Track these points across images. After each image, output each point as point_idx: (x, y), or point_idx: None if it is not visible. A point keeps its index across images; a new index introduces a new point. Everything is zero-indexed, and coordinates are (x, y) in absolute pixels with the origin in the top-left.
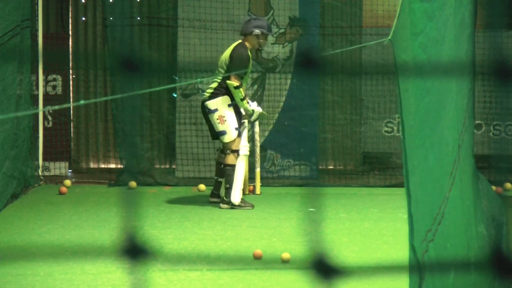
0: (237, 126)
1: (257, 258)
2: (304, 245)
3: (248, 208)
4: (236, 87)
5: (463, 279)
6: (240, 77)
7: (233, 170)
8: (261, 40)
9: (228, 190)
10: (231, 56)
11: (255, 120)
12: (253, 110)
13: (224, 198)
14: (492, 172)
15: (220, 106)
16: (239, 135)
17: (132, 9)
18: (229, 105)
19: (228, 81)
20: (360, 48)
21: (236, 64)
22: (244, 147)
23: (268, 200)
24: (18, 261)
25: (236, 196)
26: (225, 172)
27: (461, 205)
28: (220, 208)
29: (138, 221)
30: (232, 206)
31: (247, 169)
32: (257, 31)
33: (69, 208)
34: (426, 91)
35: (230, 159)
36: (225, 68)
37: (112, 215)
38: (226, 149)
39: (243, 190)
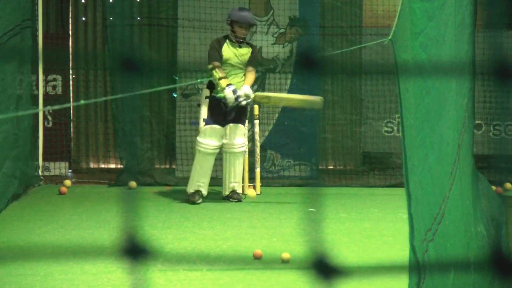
0: (205, 117)
1: (257, 258)
2: (304, 245)
3: (191, 202)
4: (211, 69)
5: (463, 279)
6: (216, 61)
7: (195, 160)
8: (235, 29)
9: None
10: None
11: (232, 103)
12: (225, 95)
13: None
14: (492, 172)
15: (202, 97)
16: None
17: (132, 9)
18: (206, 97)
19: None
20: (360, 48)
21: (208, 53)
22: (197, 142)
23: (268, 200)
24: (18, 261)
25: (189, 186)
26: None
27: (461, 205)
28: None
29: (138, 221)
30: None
31: (246, 168)
32: (228, 20)
33: (69, 208)
34: (426, 90)
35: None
36: None
37: (112, 215)
38: None
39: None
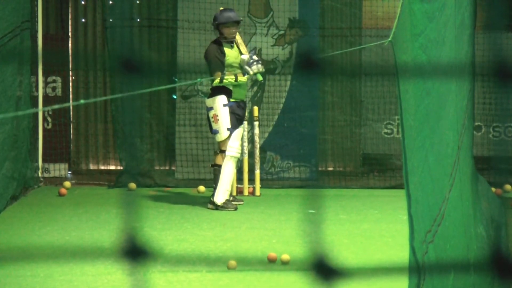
0: (229, 126)
1: (272, 261)
2: (304, 247)
3: (230, 209)
4: (221, 81)
5: (462, 281)
6: (220, 71)
7: (220, 170)
8: (223, 31)
9: (215, 190)
10: (205, 58)
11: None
12: (254, 74)
13: (211, 198)
14: (491, 173)
15: (215, 105)
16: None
17: (132, 10)
18: (224, 105)
19: (213, 84)
20: (359, 49)
21: (211, 64)
22: (232, 148)
23: (268, 201)
24: (18, 262)
25: (219, 196)
26: (213, 172)
27: (461, 206)
28: (208, 208)
29: (137, 223)
30: (216, 206)
31: (246, 170)
32: (214, 24)
33: (68, 210)
34: (426, 92)
35: (218, 159)
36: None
37: (112, 216)
38: (217, 149)
39: (231, 191)
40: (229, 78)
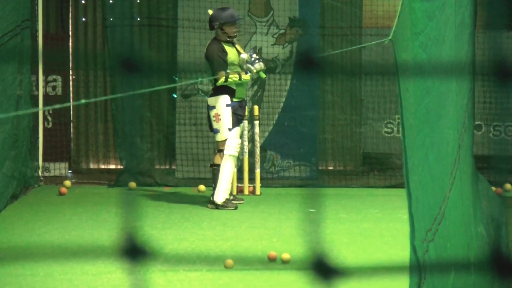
0: (231, 127)
1: (272, 259)
2: (304, 246)
3: (230, 209)
4: (226, 80)
5: (463, 279)
6: (224, 70)
7: (219, 170)
8: (226, 30)
9: (214, 189)
10: (206, 57)
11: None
12: (257, 72)
13: (211, 197)
14: (492, 172)
15: (218, 104)
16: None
17: (132, 9)
18: (227, 105)
19: (218, 83)
20: (360, 48)
21: (214, 63)
22: (230, 147)
23: (268, 200)
24: (18, 261)
25: (219, 196)
26: (212, 172)
27: (461, 205)
28: (208, 207)
29: (138, 222)
30: (216, 206)
31: (246, 169)
32: (217, 23)
33: (69, 209)
34: (426, 91)
35: (216, 158)
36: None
37: (112, 215)
38: (216, 148)
39: (231, 190)
40: (233, 77)
